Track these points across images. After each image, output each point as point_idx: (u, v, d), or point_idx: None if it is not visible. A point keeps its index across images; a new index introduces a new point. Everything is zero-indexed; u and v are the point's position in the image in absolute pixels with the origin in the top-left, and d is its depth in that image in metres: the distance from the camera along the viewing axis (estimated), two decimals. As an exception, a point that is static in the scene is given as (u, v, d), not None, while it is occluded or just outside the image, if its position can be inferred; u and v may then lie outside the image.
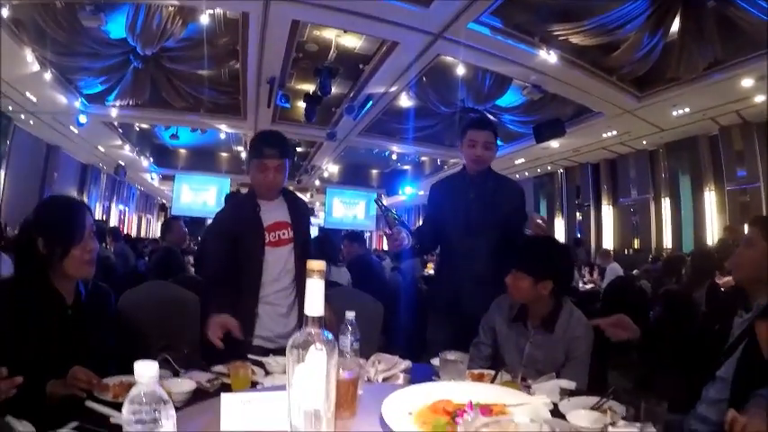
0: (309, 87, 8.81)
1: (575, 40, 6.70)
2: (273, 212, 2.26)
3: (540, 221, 2.32)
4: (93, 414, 1.22)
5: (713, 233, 9.37)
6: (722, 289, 4.03)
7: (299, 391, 0.83)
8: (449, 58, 7.66)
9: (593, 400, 1.39)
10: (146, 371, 0.74)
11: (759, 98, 7.56)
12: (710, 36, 6.23)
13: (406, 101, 9.53)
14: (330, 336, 0.86)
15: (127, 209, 18.03)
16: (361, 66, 8.16)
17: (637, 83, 7.80)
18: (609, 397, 1.38)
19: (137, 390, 0.74)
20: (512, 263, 2.01)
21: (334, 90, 8.33)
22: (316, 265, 0.85)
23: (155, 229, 21.01)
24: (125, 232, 15.12)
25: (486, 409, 1.10)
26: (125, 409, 0.73)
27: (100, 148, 12.70)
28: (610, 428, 1.12)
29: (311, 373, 0.82)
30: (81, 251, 1.60)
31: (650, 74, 7.33)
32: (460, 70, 8.11)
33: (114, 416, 1.19)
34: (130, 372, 1.39)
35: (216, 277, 2.21)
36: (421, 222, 2.76)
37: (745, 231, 1.85)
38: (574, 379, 1.70)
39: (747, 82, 7.05)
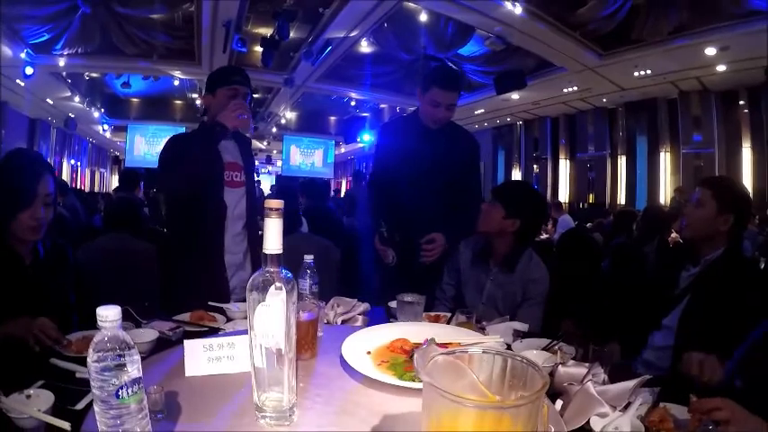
0: (267, 31, 8.42)
1: (541, -7, 6.67)
2: (230, 151, 2.16)
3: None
4: (58, 371, 1.21)
5: (666, 193, 9.82)
6: (671, 245, 4.24)
7: (261, 330, 0.84)
8: (411, 5, 7.48)
9: (545, 341, 1.46)
10: (108, 315, 0.73)
11: (720, 67, 7.80)
12: (679, 1, 6.30)
13: (366, 47, 9.27)
14: (289, 274, 0.86)
15: (79, 163, 17.22)
16: (320, 9, 7.82)
17: (601, 41, 7.86)
18: (560, 339, 1.44)
19: (100, 335, 0.73)
20: (493, 194, 2.15)
21: (292, 34, 8.01)
22: (274, 203, 0.85)
23: (109, 182, 20.23)
24: (79, 187, 14.52)
25: (443, 347, 1.15)
26: (90, 356, 0.73)
27: (48, 100, 11.99)
28: (560, 368, 1.17)
29: (272, 313, 0.83)
30: (28, 217, 1.56)
31: (615, 33, 7.38)
32: (423, 17, 7.94)
33: (79, 370, 1.19)
34: (92, 327, 1.39)
35: (180, 235, 2.09)
36: (372, 166, 2.58)
37: (696, 192, 1.93)
38: (529, 319, 1.81)
39: (710, 50, 7.24)
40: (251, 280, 0.85)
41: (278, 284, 0.83)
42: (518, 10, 6.83)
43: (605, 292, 3.19)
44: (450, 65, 8.99)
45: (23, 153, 1.80)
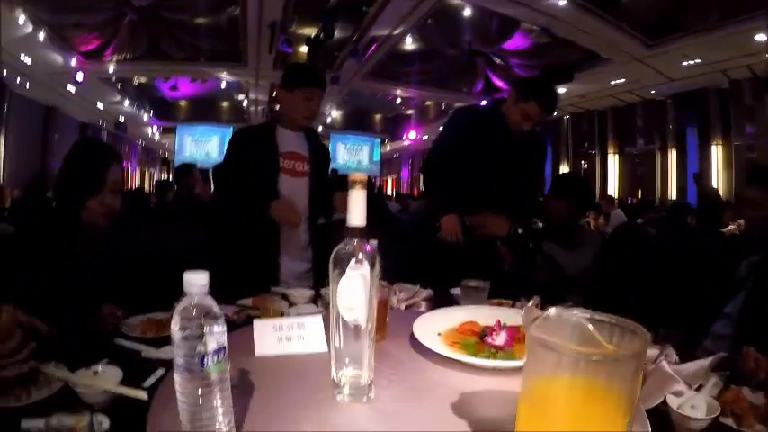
0: (312, 31, 8.56)
1: (586, -18, 6.51)
2: (291, 141, 2.22)
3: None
4: (122, 350, 1.23)
5: (719, 187, 9.32)
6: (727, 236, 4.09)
7: (342, 303, 0.84)
8: (454, 0, 7.44)
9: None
10: (196, 279, 0.69)
11: (772, 54, 7.39)
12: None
13: (410, 44, 9.27)
14: (371, 247, 0.86)
15: (129, 165, 17.93)
16: (364, 8, 7.88)
17: (647, 30, 7.59)
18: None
19: (186, 301, 0.70)
20: (556, 190, 2.52)
21: (336, 33, 8.12)
22: (359, 176, 0.85)
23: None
24: (128, 187, 15.09)
25: (515, 330, 1.14)
26: (174, 323, 0.69)
27: (99, 105, 12.54)
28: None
29: (354, 285, 0.83)
30: (98, 204, 1.60)
31: (662, 22, 7.14)
32: (467, 12, 7.89)
33: (144, 350, 1.21)
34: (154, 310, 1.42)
35: (233, 221, 2.14)
36: (432, 151, 2.52)
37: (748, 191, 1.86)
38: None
39: (761, 37, 6.87)
40: (334, 253, 0.85)
41: (360, 257, 0.84)
42: (562, 1, 6.69)
43: (652, 281, 3.13)
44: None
45: (92, 142, 1.88)
